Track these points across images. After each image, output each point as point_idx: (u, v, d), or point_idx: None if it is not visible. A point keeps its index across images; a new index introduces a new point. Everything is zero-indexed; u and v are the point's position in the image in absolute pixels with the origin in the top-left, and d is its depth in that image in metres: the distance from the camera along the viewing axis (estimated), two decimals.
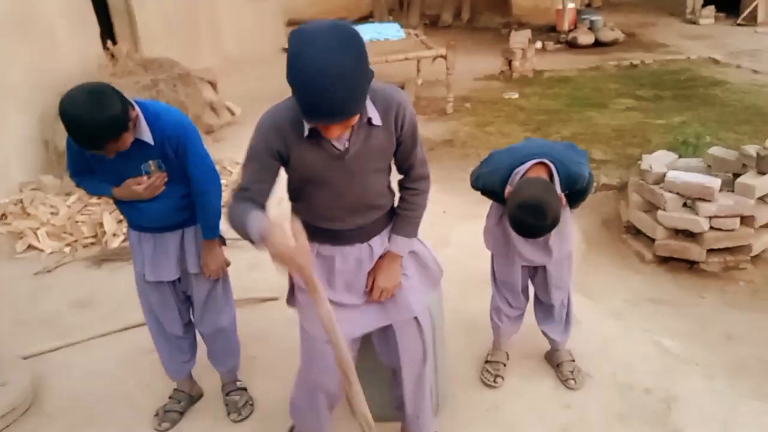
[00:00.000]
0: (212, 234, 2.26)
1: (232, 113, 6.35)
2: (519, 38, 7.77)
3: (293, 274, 1.58)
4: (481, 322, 2.75)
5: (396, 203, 1.94)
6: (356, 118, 1.56)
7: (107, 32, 6.62)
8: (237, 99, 6.70)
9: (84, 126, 1.84)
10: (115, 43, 5.56)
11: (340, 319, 1.61)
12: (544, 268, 2.45)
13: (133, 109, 1.99)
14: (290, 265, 1.49)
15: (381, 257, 1.91)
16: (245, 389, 2.59)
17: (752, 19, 10.05)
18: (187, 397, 2.55)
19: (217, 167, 5.06)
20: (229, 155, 5.45)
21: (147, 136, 2.05)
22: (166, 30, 7.60)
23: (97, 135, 1.86)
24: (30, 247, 3.94)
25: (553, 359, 2.66)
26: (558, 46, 9.49)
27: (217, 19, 9.05)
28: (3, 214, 4.18)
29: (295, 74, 1.43)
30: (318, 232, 1.82)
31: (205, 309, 2.37)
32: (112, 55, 5.31)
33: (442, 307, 2.35)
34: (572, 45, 9.56)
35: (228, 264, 2.38)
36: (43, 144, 4.73)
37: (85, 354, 2.95)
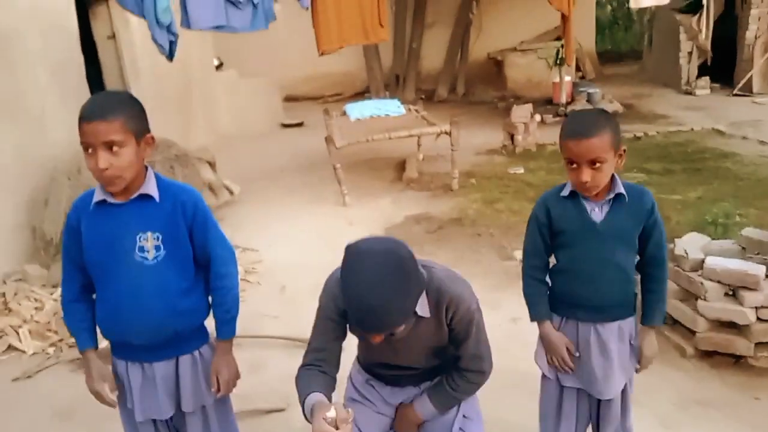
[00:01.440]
0: (230, 331, 1.96)
1: (231, 192, 6.13)
2: (521, 112, 7.70)
3: None
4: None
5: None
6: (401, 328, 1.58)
7: None
8: (235, 177, 6.50)
9: (101, 94, 1.75)
10: None
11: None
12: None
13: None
14: None
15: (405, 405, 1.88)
16: None
17: (748, 89, 10.10)
18: None
19: None
20: (228, 235, 5.19)
21: (153, 192, 1.79)
22: (161, 107, 7.47)
23: (111, 100, 1.73)
24: (10, 347, 3.60)
25: None
26: (557, 119, 9.45)
27: (213, 96, 9.01)
28: None
29: (345, 288, 1.53)
30: (370, 371, 1.94)
31: None
32: None
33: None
34: None
35: (239, 377, 2.04)
36: (31, 230, 4.45)
37: None
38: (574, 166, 1.87)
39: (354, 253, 1.53)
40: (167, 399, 1.92)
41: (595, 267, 1.96)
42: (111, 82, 6.82)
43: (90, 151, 1.69)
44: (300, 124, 10.06)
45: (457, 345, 1.77)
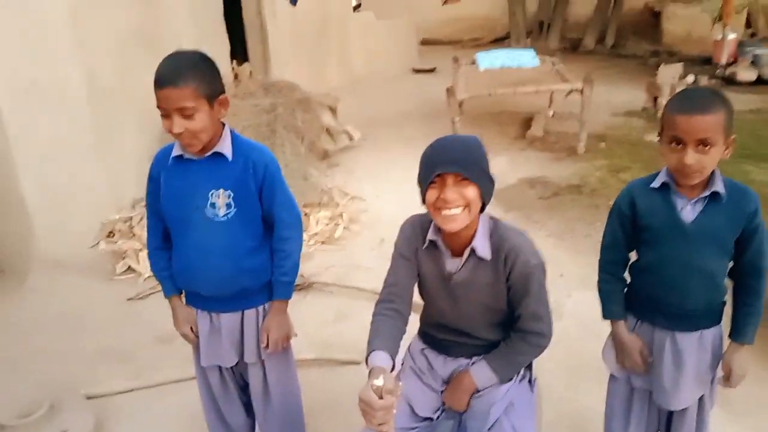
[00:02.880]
0: (286, 293, 1.99)
1: (351, 138, 6.21)
2: (668, 72, 7.01)
3: (369, 427, 1.45)
4: (593, 424, 2.23)
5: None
6: (471, 191, 1.59)
7: (240, 49, 6.74)
8: (358, 123, 6.56)
9: (173, 57, 1.73)
10: (247, 59, 5.59)
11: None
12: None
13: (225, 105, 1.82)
14: (367, 417, 1.44)
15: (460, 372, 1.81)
16: None
17: None
18: None
19: (324, 197, 4.92)
20: (340, 183, 5.29)
21: (227, 150, 1.83)
22: (296, 47, 7.66)
23: (182, 65, 1.71)
24: (129, 269, 3.95)
25: None
26: (712, 81, 8.51)
27: (348, 37, 9.03)
28: (111, 232, 4.25)
29: (426, 149, 1.65)
30: (429, 339, 1.91)
31: (267, 405, 2.10)
32: (236, 76, 5.33)
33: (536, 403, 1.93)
34: (729, 81, 8.51)
35: (293, 336, 2.08)
36: None
37: (153, 401, 2.81)
38: (679, 146, 1.64)
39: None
40: (231, 348, 2.00)
41: (679, 271, 1.74)
42: (249, 21, 7.05)
43: (164, 114, 1.74)
44: (432, 70, 9.89)
45: (517, 302, 1.72)
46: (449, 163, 1.58)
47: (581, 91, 5.76)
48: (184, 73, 1.69)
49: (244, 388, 2.15)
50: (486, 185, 1.63)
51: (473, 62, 6.78)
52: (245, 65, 5.76)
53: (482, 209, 1.68)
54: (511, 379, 1.79)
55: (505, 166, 5.64)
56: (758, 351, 2.98)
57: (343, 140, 6.07)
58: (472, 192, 1.59)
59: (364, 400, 1.41)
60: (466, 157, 1.59)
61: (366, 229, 4.45)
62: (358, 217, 4.65)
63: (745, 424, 2.55)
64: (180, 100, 1.69)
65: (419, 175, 1.64)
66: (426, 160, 1.62)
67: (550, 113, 7.15)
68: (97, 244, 4.18)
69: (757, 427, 2.55)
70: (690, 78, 8.05)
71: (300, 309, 3.44)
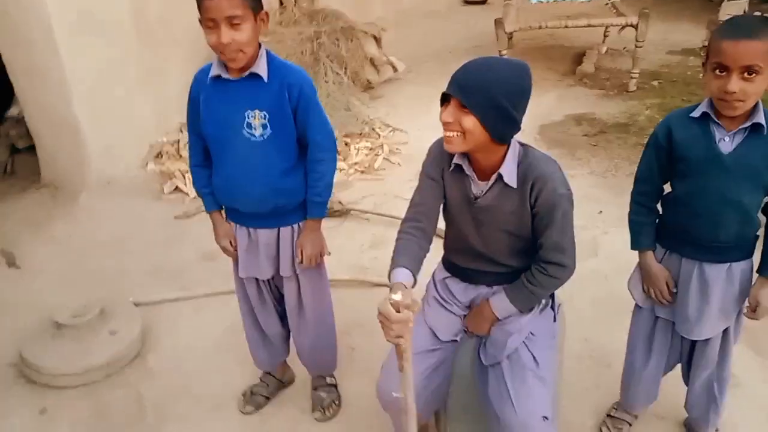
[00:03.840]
0: (319, 212, 2.04)
1: (395, 69, 6.13)
2: (732, 9, 6.61)
3: (387, 340, 1.48)
4: (618, 361, 2.24)
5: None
6: (469, 122, 1.55)
7: None
8: (402, 54, 6.46)
9: None
10: None
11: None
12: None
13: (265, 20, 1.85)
14: (386, 329, 1.46)
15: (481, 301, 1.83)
16: (335, 386, 2.43)
17: None
18: (277, 382, 2.45)
19: (366, 128, 4.93)
20: (382, 115, 5.28)
21: (263, 71, 1.86)
22: None
23: None
24: (177, 189, 4.09)
25: (694, 430, 2.19)
26: None
27: None
28: (159, 153, 4.39)
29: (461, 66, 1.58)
30: (451, 266, 1.92)
31: (301, 318, 2.21)
32: (281, 3, 5.30)
33: (558, 330, 1.98)
34: None
35: (326, 253, 2.16)
36: None
37: (196, 311, 2.98)
38: (723, 73, 1.59)
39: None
40: (267, 262, 2.09)
41: (713, 204, 1.72)
42: None
43: (212, 27, 1.76)
44: (483, 2, 9.59)
45: (540, 231, 1.69)
46: (454, 85, 1.55)
47: (636, 27, 5.52)
48: None
49: (279, 301, 2.25)
50: (492, 118, 1.54)
51: None
52: None
53: (503, 141, 1.63)
54: (532, 310, 1.80)
55: (553, 102, 5.52)
56: None
57: (388, 71, 6.00)
58: (468, 122, 1.55)
59: (382, 313, 1.45)
60: (475, 84, 1.53)
61: (405, 161, 4.47)
62: (398, 149, 4.67)
63: None
64: (230, 8, 1.72)
65: None
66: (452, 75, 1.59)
67: (603, 49, 6.89)
68: (146, 165, 4.33)
69: None
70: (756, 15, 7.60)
71: (338, 234, 3.53)
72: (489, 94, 1.52)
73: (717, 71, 1.60)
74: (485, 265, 1.83)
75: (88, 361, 2.51)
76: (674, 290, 1.88)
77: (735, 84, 1.57)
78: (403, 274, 1.64)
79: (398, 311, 1.43)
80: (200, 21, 1.79)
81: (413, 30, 7.97)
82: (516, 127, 1.60)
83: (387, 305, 1.44)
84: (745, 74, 1.56)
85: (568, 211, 1.67)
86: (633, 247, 1.95)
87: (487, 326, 1.81)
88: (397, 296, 1.45)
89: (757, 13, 7.36)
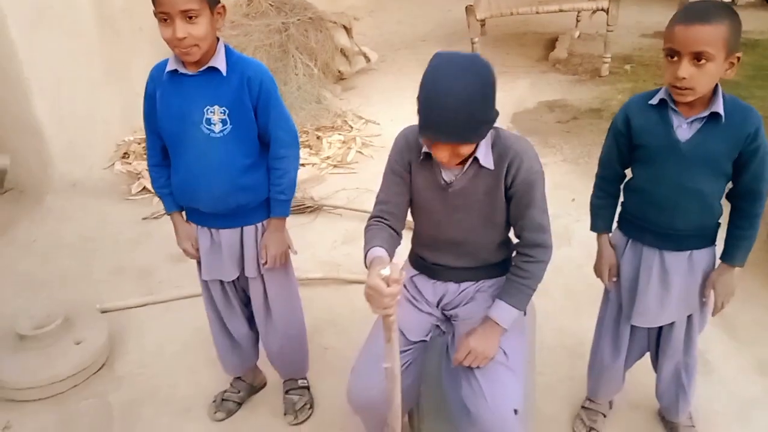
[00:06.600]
0: (283, 211, 1.99)
1: (368, 59, 6.06)
2: None
3: (375, 312, 1.46)
4: None
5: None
6: (466, 149, 1.56)
7: None
8: (375, 44, 6.40)
9: None
10: None
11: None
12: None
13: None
14: (375, 302, 1.43)
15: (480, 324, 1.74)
16: (307, 388, 2.38)
17: None
18: (248, 386, 2.40)
19: (338, 121, 4.87)
20: (354, 107, 5.21)
21: (221, 65, 1.81)
22: None
23: None
24: (144, 189, 4.00)
25: (666, 418, 2.18)
26: (752, 0, 8.06)
27: None
28: (126, 153, 4.29)
29: (422, 88, 1.49)
30: (419, 263, 1.89)
31: (268, 320, 2.15)
32: None
33: (534, 317, 1.98)
34: None
35: (293, 252, 2.11)
36: None
37: (164, 313, 2.92)
38: (675, 59, 1.55)
39: (440, 56, 1.51)
40: (231, 263, 2.04)
41: (671, 192, 1.70)
42: None
43: (167, 20, 1.70)
44: None
45: (519, 213, 1.69)
46: (438, 132, 1.49)
47: (607, 10, 5.50)
48: None
49: (246, 303, 2.20)
50: (479, 132, 1.53)
51: None
52: None
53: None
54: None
55: (526, 89, 5.50)
56: (765, 277, 2.95)
57: (360, 62, 5.93)
58: (466, 149, 1.55)
59: (372, 287, 1.41)
60: (454, 121, 1.46)
61: (378, 153, 4.41)
62: (371, 142, 4.61)
63: (748, 353, 2.55)
64: (185, 1, 1.67)
65: (418, 110, 1.53)
66: (421, 109, 1.50)
67: (576, 34, 6.88)
68: (112, 165, 4.23)
69: (761, 356, 2.54)
70: None
71: (310, 231, 3.47)
72: (470, 121, 1.48)
73: (669, 57, 1.57)
74: (454, 259, 1.80)
75: (53, 372, 2.43)
76: (614, 278, 1.92)
77: (684, 70, 1.53)
78: (381, 251, 1.62)
79: (388, 285, 1.41)
80: (155, 14, 1.72)
81: (386, 18, 7.91)
82: (495, 120, 1.58)
83: (377, 279, 1.42)
84: (695, 60, 1.52)
85: (542, 188, 1.68)
86: (591, 230, 1.96)
87: (496, 342, 1.70)
88: (385, 271, 1.43)
89: None
